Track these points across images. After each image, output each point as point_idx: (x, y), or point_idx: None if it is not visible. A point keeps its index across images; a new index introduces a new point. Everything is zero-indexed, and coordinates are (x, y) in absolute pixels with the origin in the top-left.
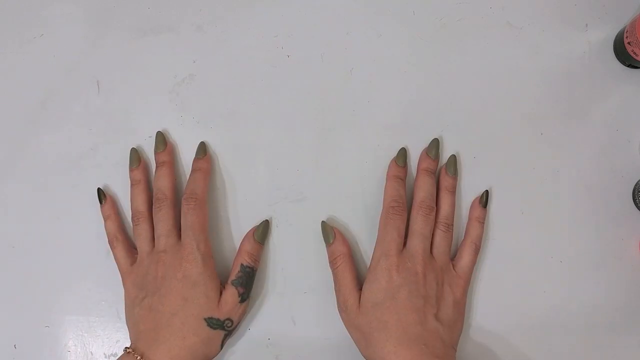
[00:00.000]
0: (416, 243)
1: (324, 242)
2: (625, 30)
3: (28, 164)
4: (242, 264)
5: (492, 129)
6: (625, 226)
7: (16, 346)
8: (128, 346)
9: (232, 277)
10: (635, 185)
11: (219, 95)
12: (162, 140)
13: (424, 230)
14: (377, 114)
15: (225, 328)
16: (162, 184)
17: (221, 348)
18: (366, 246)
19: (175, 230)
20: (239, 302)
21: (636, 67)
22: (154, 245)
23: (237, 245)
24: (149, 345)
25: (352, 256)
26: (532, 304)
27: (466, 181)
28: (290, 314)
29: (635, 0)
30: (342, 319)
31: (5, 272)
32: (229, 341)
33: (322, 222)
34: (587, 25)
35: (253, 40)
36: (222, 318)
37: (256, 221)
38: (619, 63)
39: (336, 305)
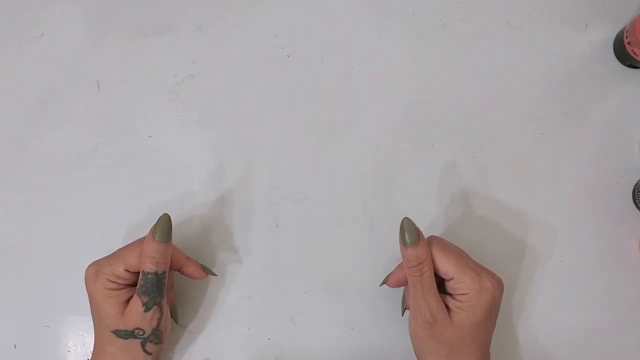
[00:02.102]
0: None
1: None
2: (625, 30)
3: (28, 164)
4: (143, 271)
5: (492, 129)
6: (625, 226)
7: (16, 346)
8: None
9: (138, 285)
10: (635, 185)
11: (219, 95)
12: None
13: None
14: (377, 114)
15: (138, 336)
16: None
17: (148, 353)
18: (366, 246)
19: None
20: (144, 312)
21: (636, 67)
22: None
23: (236, 245)
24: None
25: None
26: (532, 304)
27: (466, 181)
28: (290, 314)
29: (635, 0)
30: (418, 329)
31: (5, 272)
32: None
33: (407, 219)
34: (587, 25)
35: (253, 40)
36: (129, 329)
37: (256, 221)
38: (619, 63)
39: (409, 314)
